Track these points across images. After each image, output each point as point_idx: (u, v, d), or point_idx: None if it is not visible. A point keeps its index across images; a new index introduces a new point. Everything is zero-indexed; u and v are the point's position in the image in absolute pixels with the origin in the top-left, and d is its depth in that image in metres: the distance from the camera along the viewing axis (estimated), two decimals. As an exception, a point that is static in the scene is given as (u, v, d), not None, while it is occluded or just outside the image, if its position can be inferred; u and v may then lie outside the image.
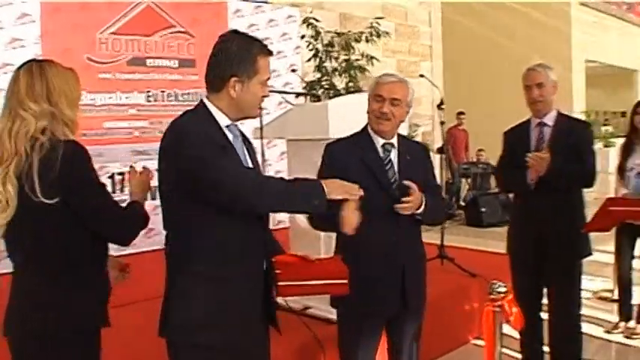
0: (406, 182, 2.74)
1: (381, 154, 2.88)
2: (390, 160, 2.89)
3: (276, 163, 7.13)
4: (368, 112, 2.90)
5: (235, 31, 2.39)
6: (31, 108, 2.18)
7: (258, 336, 2.41)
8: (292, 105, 4.41)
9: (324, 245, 3.81)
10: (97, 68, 6.45)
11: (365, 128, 2.94)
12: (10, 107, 2.22)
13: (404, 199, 2.71)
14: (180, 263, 2.27)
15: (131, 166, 2.62)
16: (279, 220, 5.60)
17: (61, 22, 6.20)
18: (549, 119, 3.68)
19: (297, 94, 5.08)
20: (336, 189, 2.27)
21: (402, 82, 2.89)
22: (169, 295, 2.27)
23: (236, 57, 2.27)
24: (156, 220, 2.41)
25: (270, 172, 6.45)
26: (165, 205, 2.32)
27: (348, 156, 2.86)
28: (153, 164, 2.44)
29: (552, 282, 3.74)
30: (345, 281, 2.36)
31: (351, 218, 2.39)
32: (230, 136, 2.32)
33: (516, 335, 4.05)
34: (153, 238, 5.14)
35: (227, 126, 2.32)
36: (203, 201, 2.17)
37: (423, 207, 2.78)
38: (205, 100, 2.35)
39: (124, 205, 2.41)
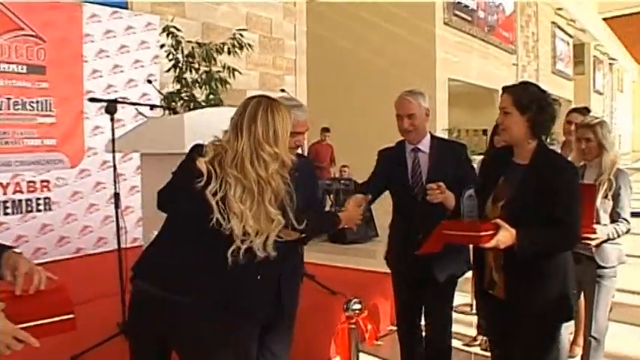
0: None
1: None
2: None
3: (132, 178, 6.78)
4: None
5: None
6: None
7: None
8: (147, 117, 4.25)
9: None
10: None
11: None
12: None
13: None
14: None
15: None
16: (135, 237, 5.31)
17: None
18: (424, 145, 3.67)
19: (152, 106, 4.87)
20: None
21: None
22: None
23: None
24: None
25: (124, 187, 6.16)
26: None
27: None
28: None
29: (428, 300, 3.74)
30: (71, 316, 1.72)
31: (353, 214, 2.91)
32: None
33: (374, 352, 4.05)
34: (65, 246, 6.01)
35: None
36: None
37: None
38: None
39: None
